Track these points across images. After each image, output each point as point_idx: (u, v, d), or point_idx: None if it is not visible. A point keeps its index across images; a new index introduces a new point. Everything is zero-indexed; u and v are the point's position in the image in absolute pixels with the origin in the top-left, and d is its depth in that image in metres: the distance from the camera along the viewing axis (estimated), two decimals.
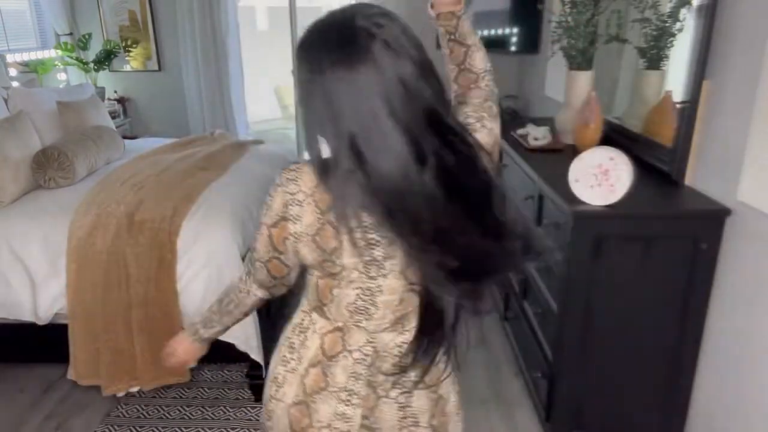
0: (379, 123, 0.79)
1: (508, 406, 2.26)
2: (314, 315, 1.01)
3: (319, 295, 0.99)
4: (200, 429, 2.15)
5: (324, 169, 0.85)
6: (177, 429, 2.15)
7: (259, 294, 1.08)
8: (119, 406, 2.27)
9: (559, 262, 0.98)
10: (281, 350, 1.05)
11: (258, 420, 2.20)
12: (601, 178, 1.68)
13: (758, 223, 1.54)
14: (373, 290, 0.94)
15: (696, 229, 1.72)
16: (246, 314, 1.14)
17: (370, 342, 0.98)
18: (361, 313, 0.97)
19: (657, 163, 1.99)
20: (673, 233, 1.74)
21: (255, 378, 2.28)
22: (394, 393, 1.00)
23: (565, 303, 1.80)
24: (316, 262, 0.93)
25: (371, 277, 0.93)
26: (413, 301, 0.97)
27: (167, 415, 2.23)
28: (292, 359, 1.01)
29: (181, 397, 2.32)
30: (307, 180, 0.90)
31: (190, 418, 2.21)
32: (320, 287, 0.98)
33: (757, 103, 1.52)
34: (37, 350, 2.48)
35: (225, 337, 2.23)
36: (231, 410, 2.25)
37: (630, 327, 1.81)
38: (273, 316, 2.54)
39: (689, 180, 1.86)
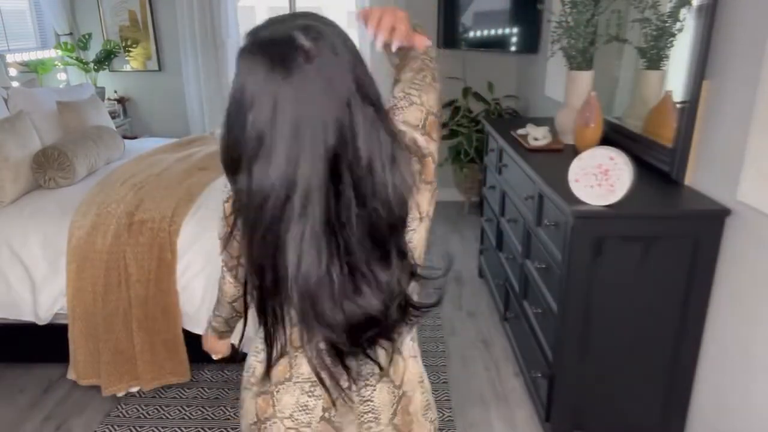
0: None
1: (508, 406, 2.26)
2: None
3: None
4: (200, 429, 2.15)
5: None
6: (177, 429, 2.15)
7: (227, 277, 1.11)
8: (119, 406, 2.27)
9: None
10: (256, 342, 1.07)
11: None
12: (601, 178, 1.68)
13: (758, 223, 1.54)
14: None
15: (696, 229, 1.72)
16: (232, 304, 1.19)
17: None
18: None
19: (657, 163, 1.99)
20: (673, 233, 1.74)
21: None
22: (356, 386, 0.96)
23: (565, 303, 1.80)
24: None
25: None
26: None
27: (167, 415, 2.23)
28: (262, 350, 0.99)
29: (181, 397, 2.32)
30: None
31: (190, 418, 2.21)
32: None
33: (757, 103, 1.52)
34: (37, 350, 2.48)
35: None
36: (231, 410, 2.25)
37: (630, 327, 1.81)
38: None
39: (689, 180, 1.86)
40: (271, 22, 0.80)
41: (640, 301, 1.78)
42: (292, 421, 0.96)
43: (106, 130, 3.20)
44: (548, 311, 1.94)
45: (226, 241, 0.96)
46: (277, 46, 0.75)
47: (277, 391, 0.97)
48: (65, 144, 2.73)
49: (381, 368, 0.94)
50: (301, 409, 0.97)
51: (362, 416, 0.98)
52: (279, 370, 0.97)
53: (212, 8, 4.45)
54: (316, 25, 0.77)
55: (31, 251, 2.29)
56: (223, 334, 1.29)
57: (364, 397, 0.97)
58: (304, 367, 0.96)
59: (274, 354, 0.92)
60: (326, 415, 0.97)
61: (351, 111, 0.76)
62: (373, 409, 0.98)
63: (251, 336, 1.19)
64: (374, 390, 0.97)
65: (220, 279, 1.16)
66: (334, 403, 0.96)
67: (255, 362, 1.04)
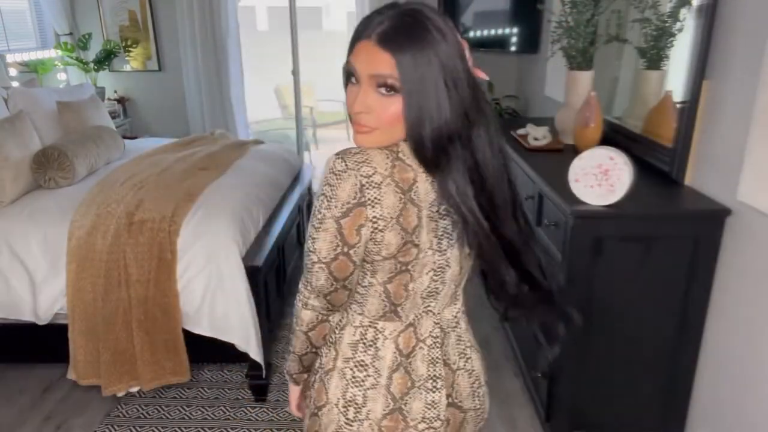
0: (480, 98, 0.87)
1: (508, 406, 2.26)
2: (381, 323, 0.97)
3: (392, 299, 0.95)
4: (200, 429, 2.15)
5: (425, 148, 0.86)
6: (177, 429, 2.15)
7: (316, 304, 0.96)
8: (119, 406, 2.27)
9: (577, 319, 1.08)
10: (346, 373, 0.98)
11: (258, 420, 2.20)
12: (601, 178, 1.68)
13: (758, 223, 1.54)
14: (443, 266, 0.95)
15: (696, 229, 1.72)
16: (307, 333, 1.01)
17: (437, 324, 1.00)
18: (432, 296, 0.97)
19: (657, 163, 1.99)
20: (673, 233, 1.74)
21: (255, 378, 2.28)
22: (461, 362, 1.04)
23: (565, 303, 1.79)
24: (397, 247, 0.88)
25: (442, 252, 0.93)
26: (466, 267, 1.01)
27: (167, 415, 2.23)
28: (368, 376, 0.97)
29: (181, 397, 2.32)
30: (380, 161, 0.86)
31: (190, 418, 2.21)
32: (391, 291, 0.94)
33: (757, 103, 1.52)
34: (37, 350, 2.48)
35: (225, 337, 2.24)
36: (231, 410, 2.25)
37: (630, 327, 1.81)
38: (273, 317, 2.54)
39: (689, 180, 1.86)
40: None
41: (640, 301, 1.78)
42: (425, 422, 0.98)
43: (106, 130, 3.20)
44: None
45: (347, 259, 0.89)
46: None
47: (405, 404, 0.98)
48: (65, 144, 2.73)
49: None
50: (429, 406, 0.99)
51: (473, 386, 1.05)
52: (398, 383, 0.97)
53: (212, 8, 4.45)
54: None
55: (31, 251, 2.29)
56: (299, 377, 1.10)
57: (469, 370, 1.05)
58: (420, 369, 0.99)
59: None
60: (450, 399, 1.01)
61: None
62: (477, 376, 1.07)
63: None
64: (473, 360, 1.07)
65: (298, 312, 0.99)
66: (452, 386, 1.02)
67: (362, 391, 0.97)
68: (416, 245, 0.90)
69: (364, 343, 0.98)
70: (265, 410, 2.25)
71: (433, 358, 0.99)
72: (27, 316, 2.31)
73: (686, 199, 1.81)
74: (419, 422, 0.98)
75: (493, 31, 3.96)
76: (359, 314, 0.98)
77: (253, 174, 2.86)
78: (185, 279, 2.23)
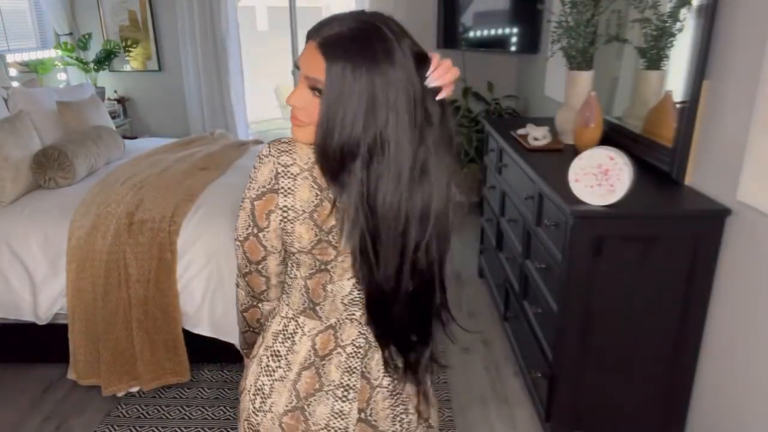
0: (402, 124, 0.82)
1: (508, 406, 2.26)
2: (301, 318, 0.98)
3: (310, 296, 0.96)
4: (200, 429, 2.15)
5: (326, 157, 0.84)
6: (177, 429, 2.15)
7: (241, 284, 1.01)
8: (119, 406, 2.27)
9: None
10: (262, 361, 1.00)
11: None
12: (601, 178, 1.67)
13: (758, 223, 1.54)
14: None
15: (696, 229, 1.72)
16: (243, 315, 1.06)
17: (362, 334, 0.98)
18: (355, 304, 0.96)
19: (657, 163, 1.99)
20: (673, 233, 1.74)
21: None
22: (386, 381, 1.00)
23: (565, 303, 1.80)
24: (311, 243, 0.89)
25: None
26: None
27: (167, 415, 2.23)
28: (279, 367, 0.98)
29: (181, 397, 2.32)
30: (303, 155, 0.88)
31: (190, 418, 2.21)
32: (310, 287, 0.95)
33: (757, 103, 1.52)
34: (37, 350, 2.48)
35: (225, 337, 2.24)
36: (231, 410, 2.25)
37: (630, 327, 1.81)
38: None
39: (689, 180, 1.86)
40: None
41: (640, 301, 1.78)
42: (329, 430, 0.96)
43: (106, 130, 3.20)
44: (548, 311, 1.94)
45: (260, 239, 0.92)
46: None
47: (308, 404, 0.96)
48: (65, 144, 2.73)
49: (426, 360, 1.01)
50: (336, 416, 0.96)
51: (395, 409, 1.01)
52: (305, 383, 0.97)
53: (212, 8, 4.45)
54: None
55: (31, 251, 2.29)
56: (247, 353, 1.15)
57: (394, 391, 1.01)
58: (333, 374, 0.97)
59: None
60: (362, 415, 0.98)
61: None
62: (403, 401, 1.02)
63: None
64: (404, 384, 1.02)
65: (235, 286, 1.05)
66: (368, 402, 0.98)
67: (270, 381, 0.98)
68: (334, 246, 0.90)
69: (284, 334, 0.99)
70: None
71: (350, 366, 0.97)
72: (27, 316, 2.31)
73: (686, 199, 1.81)
74: (322, 428, 0.96)
75: (493, 31, 3.96)
76: (286, 305, 1.00)
77: None
78: (185, 279, 2.23)
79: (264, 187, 0.89)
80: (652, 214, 1.76)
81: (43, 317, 2.30)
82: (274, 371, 0.98)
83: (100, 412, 2.24)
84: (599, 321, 1.80)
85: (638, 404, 1.90)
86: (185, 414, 2.23)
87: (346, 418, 0.97)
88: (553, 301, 1.89)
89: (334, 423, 0.96)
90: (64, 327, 2.27)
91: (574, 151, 2.06)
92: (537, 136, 2.42)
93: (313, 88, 0.84)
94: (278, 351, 0.99)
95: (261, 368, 1.00)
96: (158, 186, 2.50)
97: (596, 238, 1.72)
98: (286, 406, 0.96)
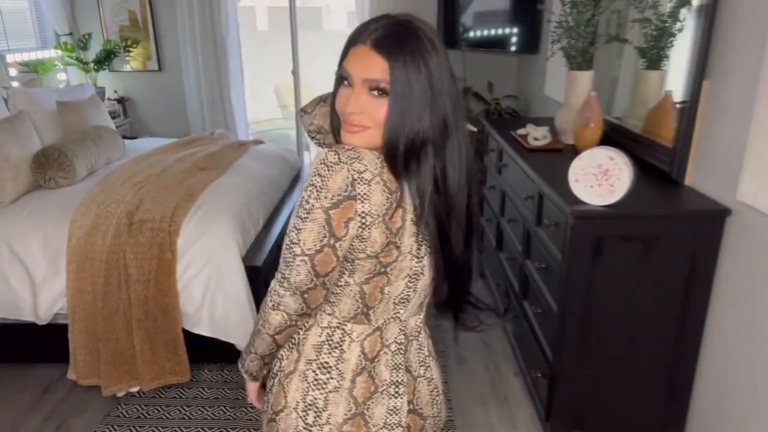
0: (455, 105, 0.90)
1: (508, 406, 2.26)
2: (350, 325, 0.97)
3: (366, 300, 0.95)
4: (200, 429, 2.15)
5: (398, 151, 0.88)
6: (177, 429, 2.15)
7: (290, 303, 0.92)
8: (119, 406, 2.27)
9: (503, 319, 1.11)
10: (308, 375, 0.97)
11: (258, 420, 2.20)
12: (601, 178, 1.68)
13: (758, 223, 1.54)
14: (418, 273, 0.97)
15: (696, 229, 1.72)
16: (274, 336, 0.98)
17: (401, 330, 1.01)
18: (403, 303, 0.98)
19: (657, 163, 1.99)
20: (673, 233, 1.74)
21: None
22: (422, 370, 1.06)
23: (565, 303, 1.80)
24: (381, 246, 0.89)
25: (420, 258, 0.95)
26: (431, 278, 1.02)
27: (167, 415, 2.23)
28: (331, 379, 0.97)
29: (181, 397, 2.32)
30: (371, 159, 0.87)
31: (190, 418, 2.21)
32: (367, 292, 0.94)
33: (757, 103, 1.52)
34: (37, 350, 2.48)
35: (225, 337, 2.24)
36: (231, 410, 2.25)
37: (630, 327, 1.81)
38: None
39: (689, 180, 1.86)
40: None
41: (640, 301, 1.78)
42: (386, 428, 0.99)
43: (106, 130, 3.20)
44: (548, 311, 1.94)
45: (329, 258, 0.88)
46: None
47: (367, 408, 0.98)
48: (65, 144, 2.73)
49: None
50: (391, 413, 1.00)
51: (432, 393, 1.08)
52: (361, 387, 0.97)
53: (212, 8, 4.45)
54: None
55: (31, 251, 2.29)
56: (256, 379, 1.10)
57: (428, 378, 1.07)
58: (384, 374, 0.99)
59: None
60: (411, 406, 1.03)
61: None
62: (436, 385, 1.09)
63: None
64: (431, 369, 1.09)
65: (264, 308, 0.96)
66: (413, 393, 1.04)
67: (323, 394, 0.97)
68: (398, 247, 0.91)
69: (329, 345, 0.97)
70: None
71: (396, 363, 1.00)
72: (27, 316, 2.31)
73: (686, 199, 1.81)
74: (381, 428, 0.98)
75: (493, 31, 3.96)
76: (329, 314, 0.97)
77: (252, 174, 2.86)
78: (185, 279, 2.23)
79: (340, 195, 0.85)
80: (652, 214, 1.76)
81: (43, 317, 2.30)
82: (326, 383, 0.97)
83: (100, 412, 2.24)
84: (599, 321, 1.80)
85: (638, 404, 1.90)
86: (185, 414, 2.23)
87: (399, 412, 1.00)
88: (553, 301, 1.89)
89: (390, 420, 0.99)
90: (64, 327, 2.27)
91: (574, 151, 2.06)
92: (537, 136, 2.42)
93: (377, 88, 0.87)
94: (326, 362, 0.97)
95: (308, 383, 0.97)
96: (158, 186, 2.50)
97: (596, 238, 1.72)
98: (345, 414, 0.96)
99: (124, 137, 3.70)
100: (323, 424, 0.96)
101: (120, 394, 2.28)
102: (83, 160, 2.76)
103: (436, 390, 1.09)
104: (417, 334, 1.05)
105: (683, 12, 1.93)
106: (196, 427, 2.16)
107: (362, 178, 0.85)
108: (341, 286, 0.94)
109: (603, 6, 2.34)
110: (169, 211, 2.30)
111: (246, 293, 2.21)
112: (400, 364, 1.01)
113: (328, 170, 0.85)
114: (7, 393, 2.37)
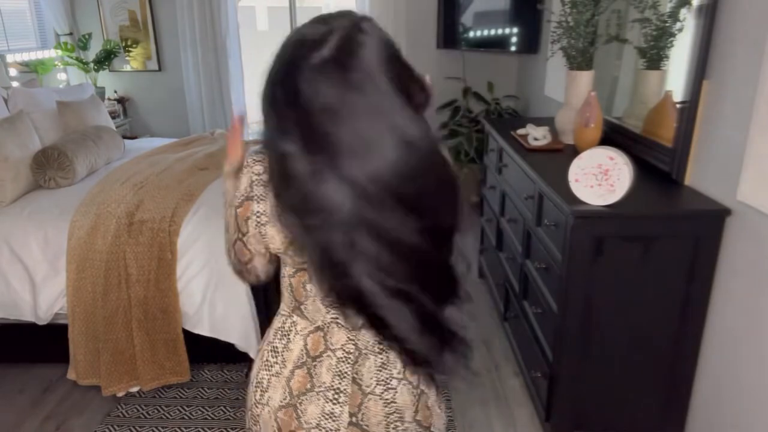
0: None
1: (508, 406, 2.26)
2: (295, 317, 1.02)
3: (294, 294, 1.00)
4: (200, 429, 2.15)
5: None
6: (177, 429, 2.15)
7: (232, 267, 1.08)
8: (119, 406, 2.27)
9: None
10: (264, 355, 1.05)
11: None
12: (601, 178, 1.68)
13: (758, 223, 1.54)
14: None
15: (696, 229, 1.72)
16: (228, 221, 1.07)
17: (351, 340, 0.99)
18: (335, 307, 0.96)
19: (657, 163, 1.99)
20: (673, 233, 1.74)
21: None
22: (378, 389, 0.99)
23: (565, 303, 1.80)
24: (282, 245, 0.93)
25: None
26: None
27: (167, 415, 2.23)
28: (276, 363, 1.01)
29: (181, 397, 2.32)
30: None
31: (190, 418, 2.21)
32: (294, 285, 0.99)
33: (757, 103, 1.52)
34: (37, 350, 2.48)
35: (225, 337, 2.24)
36: (231, 410, 2.25)
37: (630, 327, 1.81)
38: (273, 317, 2.54)
39: (689, 180, 1.86)
40: None
41: (640, 301, 1.78)
42: (320, 430, 0.97)
43: (106, 130, 3.20)
44: (548, 311, 1.94)
45: None
46: None
47: (300, 403, 0.98)
48: (65, 144, 2.73)
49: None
50: (327, 417, 0.97)
51: (388, 417, 1.00)
52: (298, 381, 0.98)
53: (212, 8, 4.45)
54: None
55: (31, 251, 2.29)
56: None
57: (387, 399, 1.00)
58: (324, 376, 0.98)
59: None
60: (353, 419, 0.98)
61: None
62: (397, 409, 1.01)
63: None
64: (396, 392, 1.00)
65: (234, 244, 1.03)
66: (359, 407, 0.98)
67: (268, 376, 1.02)
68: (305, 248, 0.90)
69: (282, 331, 1.03)
70: None
71: (341, 371, 0.98)
72: (27, 316, 2.31)
73: (686, 199, 1.81)
74: (314, 428, 0.97)
75: (493, 31, 3.96)
76: (283, 302, 1.05)
77: None
78: (185, 279, 2.23)
79: (243, 196, 0.95)
80: (652, 214, 1.76)
81: (43, 317, 2.30)
82: (271, 366, 1.02)
83: (100, 412, 2.24)
84: (599, 321, 1.80)
85: (638, 404, 1.90)
86: (185, 414, 2.23)
87: (337, 420, 0.98)
88: (553, 301, 1.89)
89: (325, 423, 0.97)
90: (64, 327, 2.27)
91: (574, 151, 2.07)
92: (537, 136, 2.42)
93: None
94: (276, 347, 1.02)
95: (262, 362, 1.04)
96: (158, 186, 2.50)
97: (596, 238, 1.72)
98: (281, 401, 0.99)
99: (124, 137, 3.70)
100: (264, 404, 1.01)
101: (120, 394, 2.28)
102: (83, 160, 2.76)
103: (397, 415, 1.00)
104: (378, 351, 0.99)
105: (683, 12, 1.93)
106: (196, 427, 2.16)
107: (260, 179, 0.92)
108: (282, 276, 1.02)
109: (603, 6, 2.34)
110: (169, 211, 2.30)
111: (246, 293, 2.21)
112: (345, 372, 0.98)
113: (241, 173, 0.97)
114: (7, 393, 2.37)
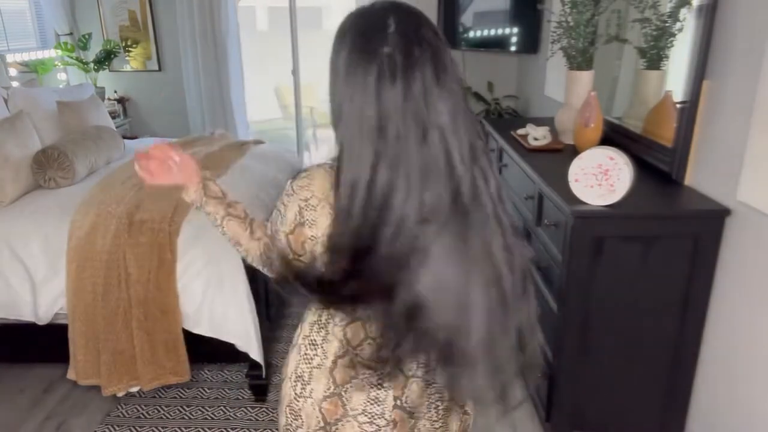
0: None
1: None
2: (333, 309, 1.02)
3: None
4: (200, 429, 2.15)
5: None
6: (177, 429, 2.15)
7: (262, 249, 1.09)
8: (119, 406, 2.27)
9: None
10: (301, 349, 1.05)
11: (258, 420, 2.20)
12: (601, 178, 1.67)
13: (758, 223, 1.54)
14: None
15: (696, 229, 1.72)
16: (234, 237, 1.16)
17: None
18: None
19: (657, 163, 1.99)
20: (673, 233, 1.74)
21: (255, 378, 2.28)
22: (419, 372, 1.02)
23: (565, 303, 1.80)
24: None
25: None
26: None
27: (167, 415, 2.23)
28: (316, 355, 1.02)
29: (181, 397, 2.32)
30: (321, 184, 0.94)
31: (190, 418, 2.21)
32: None
33: (757, 103, 1.52)
34: (37, 350, 2.48)
35: (225, 337, 2.24)
36: (231, 410, 2.25)
37: (630, 327, 1.81)
38: (273, 317, 2.54)
39: (689, 180, 1.86)
40: None
41: (640, 301, 1.78)
42: (366, 415, 1.00)
43: (106, 130, 3.20)
44: (548, 311, 1.94)
45: None
46: None
47: (345, 392, 1.00)
48: (65, 144, 2.73)
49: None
50: (372, 402, 1.00)
51: (430, 397, 1.04)
52: (342, 369, 1.00)
53: (212, 8, 4.45)
54: None
55: (31, 251, 2.29)
56: (197, 193, 1.23)
57: (432, 381, 1.03)
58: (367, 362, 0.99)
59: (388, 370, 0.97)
60: (398, 402, 1.01)
61: None
62: (438, 389, 1.04)
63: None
64: (436, 372, 1.02)
65: (246, 228, 1.16)
66: (403, 390, 1.00)
67: (309, 369, 1.03)
68: None
69: (319, 324, 1.04)
70: (265, 410, 2.25)
71: (382, 357, 0.98)
72: (27, 316, 2.31)
73: (686, 199, 1.81)
74: (359, 414, 1.00)
75: (493, 31, 3.96)
76: None
77: (253, 174, 2.86)
78: (185, 279, 2.22)
79: (294, 222, 0.99)
80: (652, 214, 1.76)
81: (43, 317, 2.30)
82: (312, 359, 1.03)
83: (100, 412, 2.24)
84: (599, 321, 1.80)
85: (638, 404, 1.90)
86: (185, 414, 2.23)
87: (382, 403, 1.00)
88: (553, 301, 1.89)
89: (370, 408, 1.00)
90: (64, 327, 2.26)
91: (574, 151, 2.06)
92: (537, 136, 2.42)
93: None
94: (314, 340, 1.03)
95: (300, 356, 1.05)
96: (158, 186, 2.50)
97: (596, 238, 1.72)
98: (325, 392, 1.00)
99: (124, 137, 3.69)
100: (307, 397, 1.02)
101: (120, 394, 2.28)
102: (83, 160, 2.76)
103: (437, 395, 1.04)
104: None
105: (683, 12, 1.93)
106: (196, 427, 2.16)
107: (308, 205, 0.95)
108: None
109: (603, 6, 2.34)
110: (169, 211, 2.30)
111: (246, 293, 2.21)
112: (387, 357, 0.98)
113: (287, 200, 0.98)
114: (7, 393, 2.37)
